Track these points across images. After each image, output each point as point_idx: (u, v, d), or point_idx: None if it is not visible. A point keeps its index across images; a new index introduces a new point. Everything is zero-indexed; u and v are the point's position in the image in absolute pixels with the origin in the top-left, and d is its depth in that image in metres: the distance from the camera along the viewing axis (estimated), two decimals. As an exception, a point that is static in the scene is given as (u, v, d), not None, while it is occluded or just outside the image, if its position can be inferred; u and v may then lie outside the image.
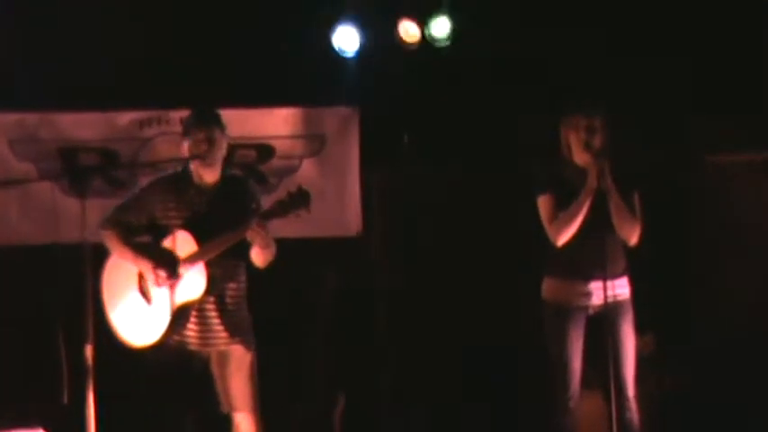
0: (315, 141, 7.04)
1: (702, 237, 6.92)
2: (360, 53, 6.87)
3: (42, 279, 6.57)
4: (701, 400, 6.53)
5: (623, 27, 6.70)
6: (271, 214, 4.99)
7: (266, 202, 5.26)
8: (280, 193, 5.27)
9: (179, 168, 5.27)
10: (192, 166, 5.20)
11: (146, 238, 5.23)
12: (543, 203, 5.50)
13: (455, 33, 6.79)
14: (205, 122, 5.18)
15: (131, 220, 5.22)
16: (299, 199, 4.95)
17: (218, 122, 5.21)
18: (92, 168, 6.65)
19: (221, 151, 5.21)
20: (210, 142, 5.15)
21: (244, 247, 5.12)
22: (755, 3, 6.56)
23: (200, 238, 5.06)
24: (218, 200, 5.19)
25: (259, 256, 5.15)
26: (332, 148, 7.02)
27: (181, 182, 5.22)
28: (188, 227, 5.11)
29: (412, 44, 6.80)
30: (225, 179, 5.26)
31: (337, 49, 6.83)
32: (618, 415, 5.33)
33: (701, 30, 6.68)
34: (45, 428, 5.60)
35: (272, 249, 5.14)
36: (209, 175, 5.20)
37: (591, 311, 5.47)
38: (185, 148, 5.21)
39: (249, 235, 4.99)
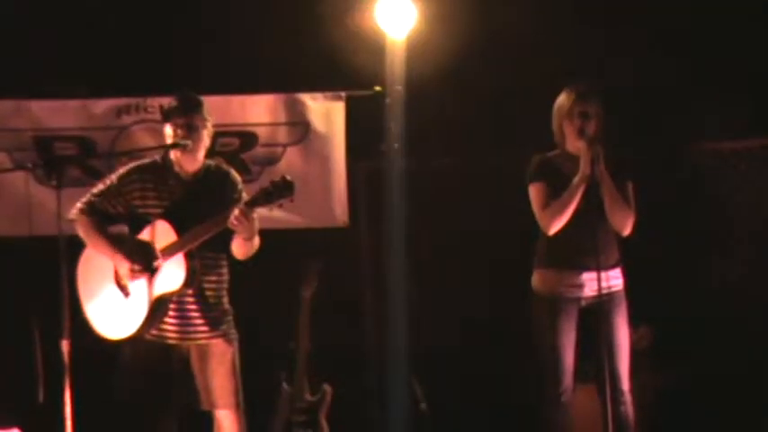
0: (299, 129, 6.95)
1: (700, 225, 6.89)
2: (349, 38, 6.74)
3: (16, 272, 6.50)
4: (696, 394, 6.53)
5: (621, 10, 6.65)
6: (254, 203, 4.88)
7: (249, 191, 5.16)
8: (263, 182, 5.16)
9: (159, 157, 5.15)
10: (173, 153, 5.07)
11: (122, 227, 5.10)
12: (535, 191, 5.44)
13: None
14: (186, 109, 5.08)
15: (108, 208, 5.10)
16: (283, 188, 4.84)
17: (199, 109, 5.10)
18: (68, 158, 6.57)
19: (203, 140, 5.11)
20: (191, 129, 5.05)
21: (225, 239, 5.03)
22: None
23: (179, 228, 4.95)
24: (198, 189, 5.09)
25: (241, 248, 5.04)
26: (317, 135, 6.94)
27: (161, 170, 5.11)
28: (167, 216, 5.00)
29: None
30: (206, 168, 5.16)
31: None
32: (612, 409, 5.27)
33: (700, 14, 6.65)
34: (20, 428, 5.48)
35: (256, 241, 5.03)
36: (190, 164, 5.10)
37: (583, 303, 5.42)
38: (166, 134, 5.08)
39: (233, 225, 4.86)
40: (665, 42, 6.67)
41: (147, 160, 5.18)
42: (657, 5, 6.65)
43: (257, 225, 4.94)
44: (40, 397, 6.22)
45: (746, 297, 6.76)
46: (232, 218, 4.83)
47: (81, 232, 5.09)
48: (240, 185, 5.18)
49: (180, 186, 5.08)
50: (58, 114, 6.81)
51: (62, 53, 6.66)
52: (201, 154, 5.12)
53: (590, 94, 5.39)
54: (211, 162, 5.22)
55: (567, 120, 5.39)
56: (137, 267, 4.96)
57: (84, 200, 5.12)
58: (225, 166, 5.28)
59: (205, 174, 5.13)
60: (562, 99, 5.43)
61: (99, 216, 5.07)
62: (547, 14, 6.69)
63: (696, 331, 6.67)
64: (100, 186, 5.14)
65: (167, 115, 5.11)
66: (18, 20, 6.63)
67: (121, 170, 5.16)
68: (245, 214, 4.84)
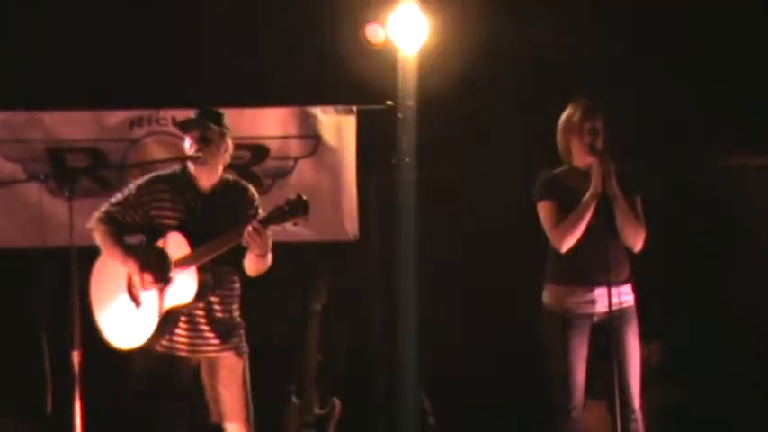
0: (310, 142, 6.95)
1: (710, 241, 6.88)
2: (359, 52, 6.75)
3: (28, 283, 6.48)
4: (706, 410, 6.51)
5: (630, 24, 6.69)
6: (269, 221, 4.87)
7: (260, 204, 5.18)
8: (273, 195, 5.15)
9: (177, 168, 5.14)
10: (191, 167, 5.07)
11: (138, 238, 5.10)
12: (544, 209, 5.43)
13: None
14: (202, 122, 5.07)
15: (125, 218, 5.10)
16: (298, 207, 4.83)
17: (216, 123, 5.10)
18: (80, 169, 6.59)
19: (220, 154, 5.10)
20: (205, 142, 5.04)
21: (238, 254, 5.01)
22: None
23: (193, 241, 4.95)
24: (215, 203, 5.09)
25: (253, 264, 5.04)
26: (327, 148, 6.95)
27: (178, 182, 5.11)
28: (182, 229, 5.00)
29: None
30: (224, 183, 5.15)
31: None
32: (622, 425, 5.25)
33: (711, 29, 6.66)
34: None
35: (269, 258, 5.02)
36: (207, 178, 5.10)
37: (595, 319, 5.40)
38: (184, 147, 5.11)
39: (245, 241, 4.85)
40: (676, 56, 6.69)
41: (166, 172, 5.18)
42: (669, 17, 6.66)
43: (271, 243, 4.93)
44: (49, 407, 6.20)
45: (758, 313, 6.74)
46: (246, 234, 4.82)
47: (98, 240, 5.09)
48: (257, 202, 5.17)
49: (196, 199, 5.07)
50: (71, 126, 6.81)
51: (74, 65, 6.66)
52: (219, 168, 5.11)
53: (597, 109, 5.39)
54: (230, 177, 5.22)
55: (576, 136, 5.38)
56: (148, 277, 4.95)
57: (102, 209, 5.12)
58: (243, 182, 5.27)
59: (222, 188, 5.13)
60: (569, 115, 5.42)
61: (116, 225, 5.07)
62: (557, 28, 6.69)
63: (707, 348, 6.65)
64: (118, 196, 5.14)
65: (184, 128, 5.11)
66: (30, 31, 6.64)
67: (140, 181, 5.16)
68: (259, 231, 4.83)
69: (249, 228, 4.82)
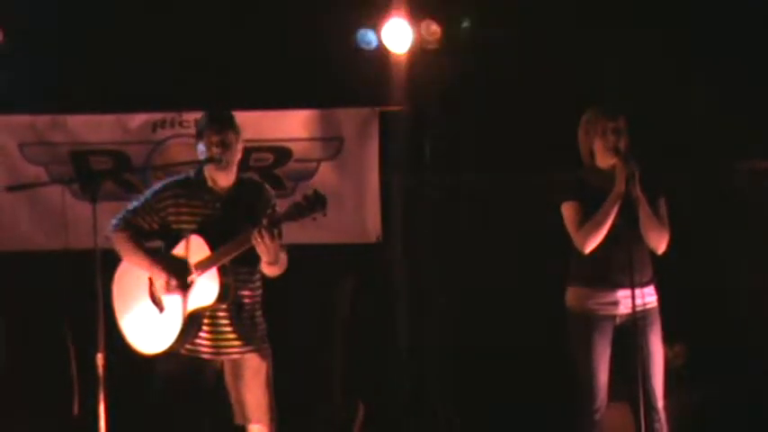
0: (332, 144, 6.96)
1: (735, 243, 6.84)
2: (381, 53, 6.79)
3: (52, 285, 6.51)
4: (730, 412, 6.47)
5: (652, 27, 6.66)
6: (287, 218, 4.88)
7: (282, 206, 5.16)
8: (296, 197, 5.14)
9: (191, 172, 5.16)
10: (207, 169, 5.09)
11: (157, 243, 5.12)
12: (568, 210, 5.41)
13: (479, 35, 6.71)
14: (220, 125, 5.08)
15: (142, 224, 5.12)
16: (316, 202, 4.83)
17: (232, 125, 5.11)
18: (104, 172, 6.64)
19: (237, 154, 5.11)
20: (225, 145, 5.05)
21: (259, 255, 4.98)
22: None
23: (212, 243, 4.96)
24: (232, 204, 5.10)
25: (266, 267, 5.04)
26: (350, 150, 6.96)
27: (194, 185, 5.12)
28: (201, 231, 5.01)
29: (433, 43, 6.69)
30: (240, 183, 5.17)
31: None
32: (646, 427, 5.23)
33: (733, 32, 6.64)
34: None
35: (279, 266, 5.02)
36: (224, 179, 5.11)
37: (618, 321, 5.38)
38: (199, 150, 5.09)
39: (255, 243, 4.85)
40: (700, 59, 6.67)
41: (179, 176, 5.19)
42: (698, 19, 6.65)
43: (278, 251, 4.91)
44: (75, 409, 6.24)
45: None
46: (252, 238, 4.82)
47: (117, 247, 5.11)
48: (273, 200, 5.18)
49: (214, 201, 5.08)
50: (94, 129, 6.86)
51: (97, 68, 6.70)
52: (235, 169, 5.13)
53: (617, 111, 5.38)
54: (245, 176, 5.23)
55: (599, 137, 5.35)
56: (173, 282, 4.97)
57: (119, 216, 5.13)
58: (258, 180, 5.29)
59: (239, 188, 5.14)
60: (591, 116, 5.40)
61: (135, 231, 5.09)
62: (579, 31, 6.70)
63: (731, 349, 6.63)
64: (134, 203, 5.15)
65: (200, 131, 5.12)
66: (52, 35, 6.68)
67: (155, 187, 5.17)
68: (263, 236, 4.81)
69: (255, 232, 4.82)
